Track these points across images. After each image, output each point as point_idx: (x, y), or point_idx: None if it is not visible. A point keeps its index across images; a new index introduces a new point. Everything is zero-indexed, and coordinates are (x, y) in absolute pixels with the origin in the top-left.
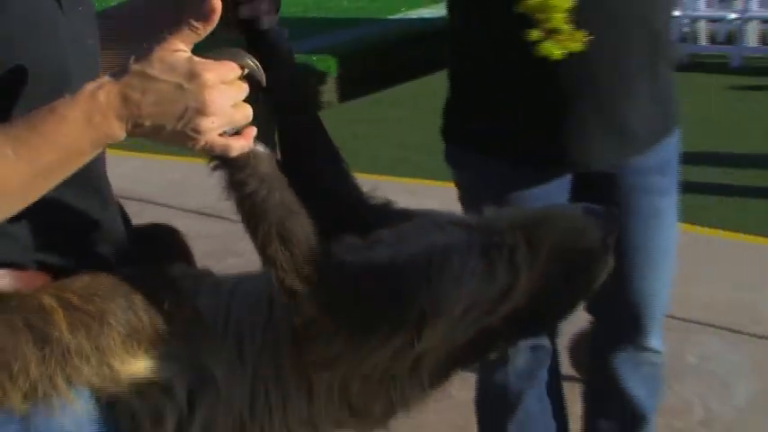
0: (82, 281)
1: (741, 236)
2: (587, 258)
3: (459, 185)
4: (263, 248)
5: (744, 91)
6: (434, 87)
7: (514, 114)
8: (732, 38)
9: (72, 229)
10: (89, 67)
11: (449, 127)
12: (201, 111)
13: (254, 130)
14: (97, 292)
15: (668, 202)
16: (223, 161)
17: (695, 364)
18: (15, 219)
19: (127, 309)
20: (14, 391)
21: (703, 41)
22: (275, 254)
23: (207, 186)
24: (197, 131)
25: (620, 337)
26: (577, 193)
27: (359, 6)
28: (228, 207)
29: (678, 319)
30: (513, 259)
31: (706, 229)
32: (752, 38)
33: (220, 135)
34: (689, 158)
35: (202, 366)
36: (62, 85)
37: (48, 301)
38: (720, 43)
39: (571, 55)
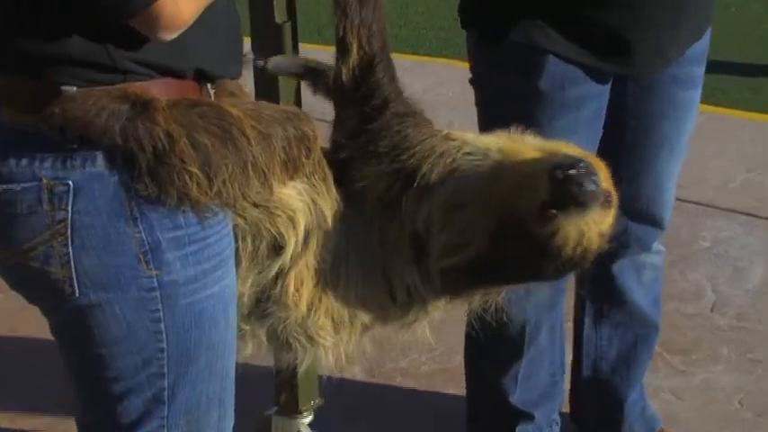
0: (249, 102)
1: (756, 115)
2: (527, 216)
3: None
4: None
5: None
6: None
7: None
8: None
9: (221, 38)
10: None
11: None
12: None
13: None
14: (263, 115)
15: (697, 95)
16: None
17: (707, 248)
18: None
19: (284, 137)
20: (204, 190)
21: None
22: (349, 8)
23: None
24: None
25: (637, 236)
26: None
27: None
28: None
29: (691, 202)
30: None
31: (721, 108)
32: None
33: None
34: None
35: (320, 210)
36: None
37: (235, 111)
38: None
39: None
